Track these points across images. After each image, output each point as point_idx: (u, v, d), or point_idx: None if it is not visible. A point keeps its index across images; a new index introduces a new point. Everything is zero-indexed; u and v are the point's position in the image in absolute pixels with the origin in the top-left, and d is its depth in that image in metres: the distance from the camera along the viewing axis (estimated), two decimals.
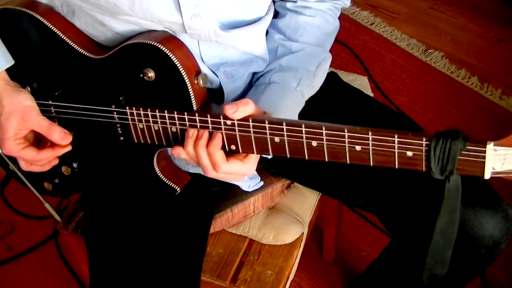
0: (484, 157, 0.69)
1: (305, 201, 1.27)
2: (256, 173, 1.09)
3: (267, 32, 1.01)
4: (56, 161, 0.96)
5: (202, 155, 0.83)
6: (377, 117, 1.08)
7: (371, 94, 1.41)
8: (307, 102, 0.98)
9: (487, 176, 0.70)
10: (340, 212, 1.52)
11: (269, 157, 1.09)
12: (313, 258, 1.68)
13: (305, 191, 1.26)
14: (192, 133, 0.84)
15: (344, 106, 1.09)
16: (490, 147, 0.69)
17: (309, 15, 1.00)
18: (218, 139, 0.82)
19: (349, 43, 2.32)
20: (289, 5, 1.01)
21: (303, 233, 1.22)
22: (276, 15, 1.04)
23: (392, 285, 1.22)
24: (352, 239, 1.74)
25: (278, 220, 1.22)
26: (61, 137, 0.90)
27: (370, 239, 1.73)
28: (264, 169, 1.18)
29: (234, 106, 0.79)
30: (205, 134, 0.83)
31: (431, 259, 0.81)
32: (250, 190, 1.11)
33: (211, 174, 0.85)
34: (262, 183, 1.12)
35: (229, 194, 1.18)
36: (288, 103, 0.93)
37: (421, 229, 1.03)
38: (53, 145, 0.93)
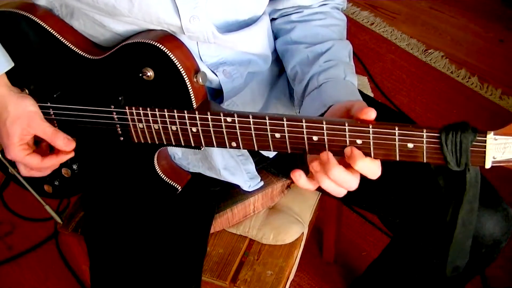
0: (484, 147, 0.70)
1: (305, 201, 1.27)
2: (256, 173, 1.09)
3: (286, 52, 1.00)
4: (57, 166, 0.96)
5: (341, 174, 0.76)
6: (376, 117, 1.08)
7: (371, 94, 1.42)
8: None
9: (488, 165, 0.71)
10: (340, 212, 1.52)
11: (271, 156, 1.09)
12: (313, 258, 1.68)
13: (305, 191, 1.26)
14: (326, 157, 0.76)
15: None
16: (490, 136, 0.69)
17: (319, 18, 1.00)
18: (359, 153, 0.75)
19: None
20: (294, 17, 1.00)
21: (303, 233, 1.22)
22: (279, 33, 1.03)
23: (392, 285, 1.22)
24: (352, 239, 1.74)
25: (278, 220, 1.22)
26: (65, 143, 0.91)
27: (370, 239, 1.73)
28: (264, 169, 1.18)
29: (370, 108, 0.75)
30: (329, 155, 0.76)
31: (453, 251, 0.81)
32: (250, 190, 1.11)
33: (356, 186, 0.79)
34: (262, 183, 1.12)
35: (229, 194, 1.18)
36: (347, 94, 0.90)
37: (421, 228, 1.03)
38: (57, 151, 0.93)
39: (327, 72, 0.92)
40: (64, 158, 0.94)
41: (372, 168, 0.77)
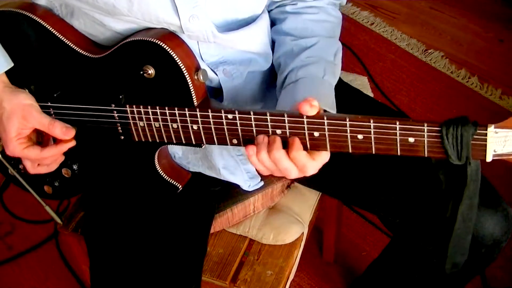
0: (485, 140, 0.70)
1: (305, 201, 1.26)
2: (256, 172, 1.09)
3: (275, 41, 1.01)
4: (62, 158, 0.95)
5: (281, 158, 0.80)
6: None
7: (371, 94, 1.42)
8: None
9: (488, 158, 0.71)
10: (340, 212, 1.52)
11: None
12: (313, 258, 1.68)
13: (305, 191, 1.26)
14: (262, 139, 0.81)
15: (343, 106, 1.09)
16: (491, 129, 0.70)
17: (312, 12, 1.00)
18: (297, 143, 0.79)
19: (349, 43, 2.32)
20: (289, 8, 1.01)
21: (303, 233, 1.22)
22: (274, 22, 1.03)
23: (392, 285, 1.22)
24: (352, 239, 1.73)
25: (278, 220, 1.22)
26: (63, 131, 0.90)
27: (370, 239, 1.73)
28: None
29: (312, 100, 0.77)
30: (277, 138, 0.80)
31: (453, 247, 0.81)
32: (250, 189, 1.11)
33: (295, 175, 0.82)
34: (262, 183, 1.12)
35: (229, 194, 1.18)
36: (321, 93, 0.91)
37: (421, 228, 1.03)
38: (57, 141, 0.92)
39: (306, 68, 0.93)
40: (64, 147, 0.92)
41: (305, 162, 0.80)
